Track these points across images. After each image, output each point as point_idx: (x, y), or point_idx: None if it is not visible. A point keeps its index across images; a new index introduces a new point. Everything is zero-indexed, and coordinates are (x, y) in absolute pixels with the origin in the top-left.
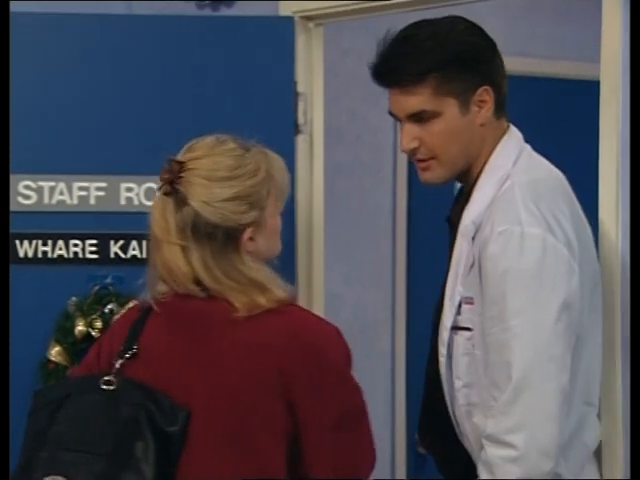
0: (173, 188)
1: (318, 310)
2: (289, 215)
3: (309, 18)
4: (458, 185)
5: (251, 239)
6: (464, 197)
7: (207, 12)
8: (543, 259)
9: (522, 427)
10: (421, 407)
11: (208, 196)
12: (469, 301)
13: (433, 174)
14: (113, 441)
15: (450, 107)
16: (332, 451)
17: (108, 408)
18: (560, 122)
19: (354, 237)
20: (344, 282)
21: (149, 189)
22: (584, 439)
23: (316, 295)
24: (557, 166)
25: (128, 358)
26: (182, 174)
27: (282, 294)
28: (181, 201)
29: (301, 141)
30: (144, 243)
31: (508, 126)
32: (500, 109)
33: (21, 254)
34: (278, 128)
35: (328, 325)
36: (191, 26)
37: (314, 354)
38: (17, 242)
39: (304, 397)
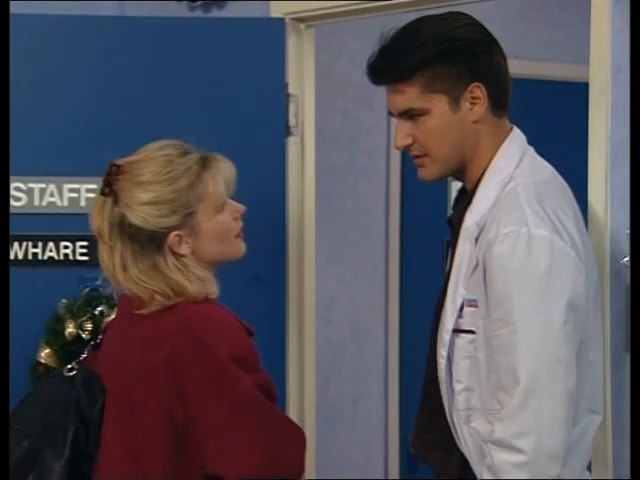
0: (110, 189)
1: (310, 312)
2: (280, 217)
3: (300, 20)
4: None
5: (181, 242)
6: (466, 199)
7: (199, 14)
8: (551, 261)
9: (530, 432)
10: (418, 409)
11: (131, 199)
12: (472, 304)
13: (427, 171)
14: (45, 421)
15: (439, 104)
16: (221, 448)
17: (58, 392)
18: (555, 124)
19: (347, 239)
20: (337, 284)
21: None
22: (587, 445)
23: (307, 297)
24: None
25: (92, 348)
26: (118, 176)
27: (195, 292)
28: (114, 202)
29: (292, 143)
30: None
31: (511, 128)
32: (499, 108)
33: (11, 256)
34: (269, 130)
35: (228, 320)
36: (183, 28)
37: (201, 346)
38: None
39: (192, 389)
